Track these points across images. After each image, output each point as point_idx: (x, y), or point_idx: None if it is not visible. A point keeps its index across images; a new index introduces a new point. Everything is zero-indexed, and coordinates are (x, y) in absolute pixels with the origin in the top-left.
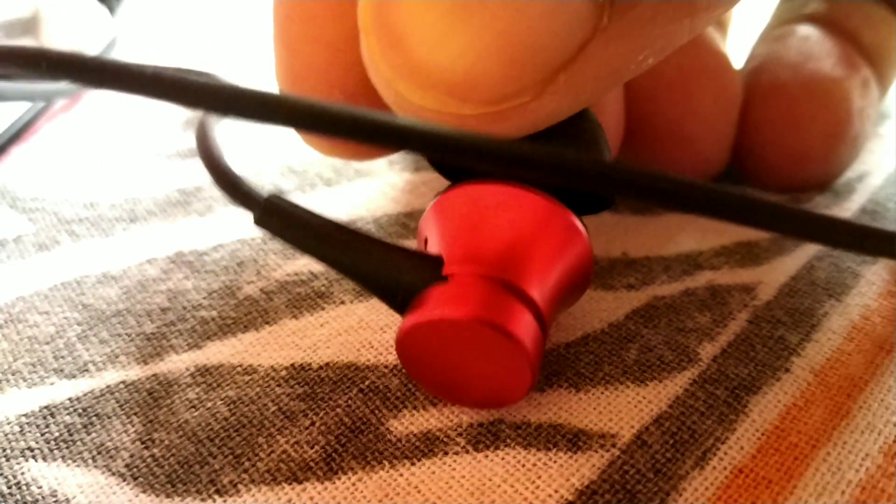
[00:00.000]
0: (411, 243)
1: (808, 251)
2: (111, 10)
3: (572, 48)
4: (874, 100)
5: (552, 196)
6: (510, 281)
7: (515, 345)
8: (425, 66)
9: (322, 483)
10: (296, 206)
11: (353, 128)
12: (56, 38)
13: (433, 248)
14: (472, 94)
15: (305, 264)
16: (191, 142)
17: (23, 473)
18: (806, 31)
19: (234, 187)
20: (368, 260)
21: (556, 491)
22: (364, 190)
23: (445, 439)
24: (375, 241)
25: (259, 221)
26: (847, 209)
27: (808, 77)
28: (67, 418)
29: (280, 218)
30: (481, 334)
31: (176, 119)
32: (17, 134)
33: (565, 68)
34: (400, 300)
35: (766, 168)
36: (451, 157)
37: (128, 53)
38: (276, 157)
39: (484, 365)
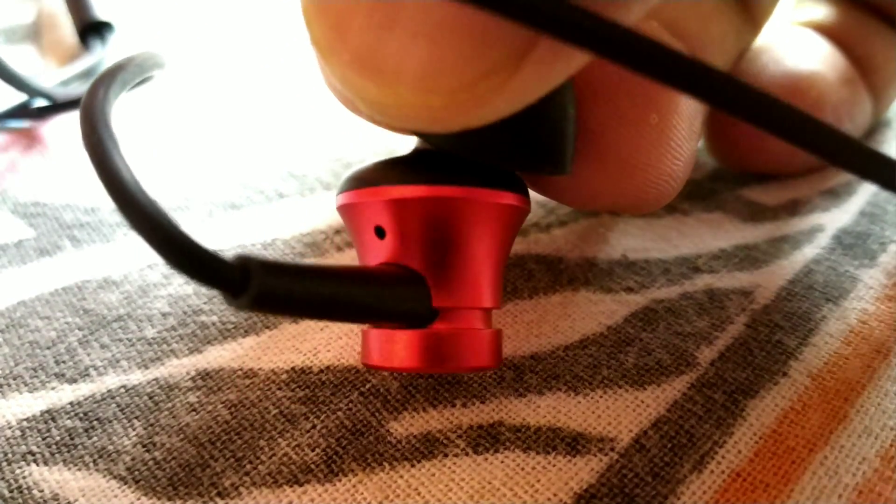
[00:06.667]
0: None
1: (806, 255)
2: (103, 40)
3: None
4: (861, 104)
5: (505, 187)
6: (483, 306)
7: (480, 370)
8: (375, 58)
9: (323, 485)
10: (287, 280)
11: None
12: (57, 44)
13: (399, 251)
14: (435, 82)
15: None
16: (190, 144)
17: (24, 477)
18: (801, 33)
19: (199, 263)
20: (372, 304)
21: (554, 494)
22: None
23: (445, 441)
24: (373, 279)
25: (249, 308)
26: (847, 210)
27: (782, 68)
28: (69, 422)
29: (278, 302)
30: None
31: (175, 123)
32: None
33: (529, 53)
34: (388, 325)
35: (732, 145)
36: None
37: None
38: (276, 161)
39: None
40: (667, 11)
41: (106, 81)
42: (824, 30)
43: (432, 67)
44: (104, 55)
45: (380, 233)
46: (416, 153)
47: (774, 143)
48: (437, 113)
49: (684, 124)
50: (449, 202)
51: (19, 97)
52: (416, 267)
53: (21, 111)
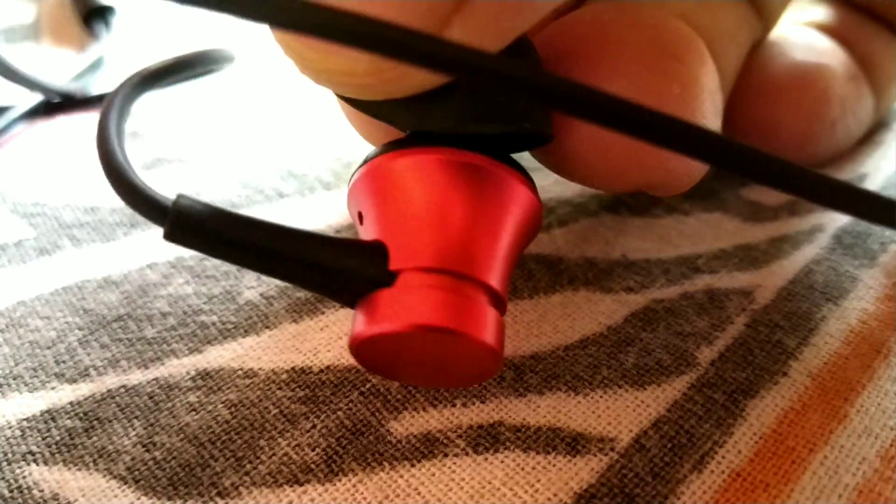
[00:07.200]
0: None
1: (806, 255)
2: (107, 24)
3: None
4: (864, 99)
5: (491, 155)
6: (461, 271)
7: (476, 344)
8: None
9: (323, 485)
10: (210, 213)
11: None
12: (57, 44)
13: (370, 227)
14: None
15: None
16: (190, 143)
17: (24, 477)
18: (805, 31)
19: (134, 194)
20: (306, 260)
21: (554, 494)
22: None
23: (445, 441)
24: (310, 237)
25: (171, 237)
26: None
27: (790, 59)
28: (69, 422)
29: (196, 231)
30: (441, 339)
31: (175, 121)
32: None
33: (457, 11)
34: (348, 298)
35: (739, 137)
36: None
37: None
38: (276, 160)
39: (449, 360)
40: (675, 5)
41: (157, 68)
42: (826, 29)
43: None
44: (110, 40)
45: (361, 219)
46: (407, 136)
47: (776, 139)
48: (362, 79)
49: (707, 97)
50: (414, 164)
51: (35, 96)
52: (379, 233)
53: (37, 110)
